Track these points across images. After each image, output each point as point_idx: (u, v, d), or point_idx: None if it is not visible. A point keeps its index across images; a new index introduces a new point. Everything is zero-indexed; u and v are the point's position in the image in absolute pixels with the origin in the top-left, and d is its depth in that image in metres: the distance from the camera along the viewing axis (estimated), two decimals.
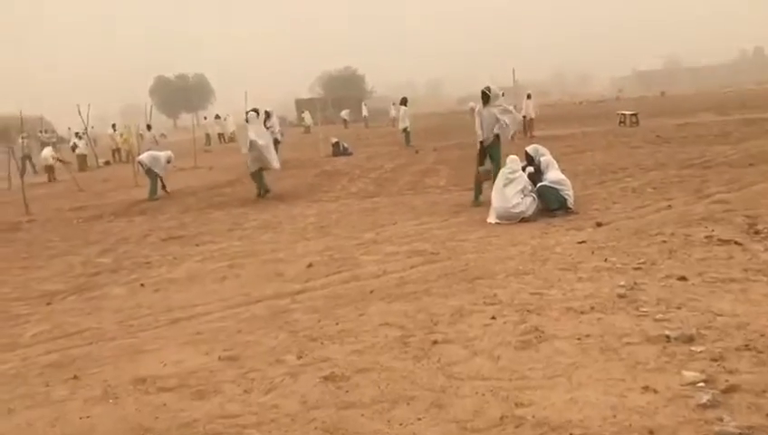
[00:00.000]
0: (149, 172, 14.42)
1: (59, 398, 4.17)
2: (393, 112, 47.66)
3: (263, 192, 12.94)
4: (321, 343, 4.73)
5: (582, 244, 6.98)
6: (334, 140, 22.09)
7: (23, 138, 24.68)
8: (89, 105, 25.35)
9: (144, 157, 14.84)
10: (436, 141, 24.54)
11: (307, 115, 44.80)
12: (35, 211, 13.65)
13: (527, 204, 8.59)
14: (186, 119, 39.36)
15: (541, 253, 6.77)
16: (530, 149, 9.55)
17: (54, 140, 37.26)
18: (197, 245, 8.78)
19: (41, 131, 39.34)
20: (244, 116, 13.49)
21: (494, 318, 4.93)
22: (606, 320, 4.70)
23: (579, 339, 4.39)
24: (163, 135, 54.69)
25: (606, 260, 6.23)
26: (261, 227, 9.72)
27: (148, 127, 22.73)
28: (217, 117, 40.51)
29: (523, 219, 8.45)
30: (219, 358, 4.63)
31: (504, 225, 8.35)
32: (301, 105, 63.39)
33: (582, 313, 4.89)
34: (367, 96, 78.00)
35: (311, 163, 19.04)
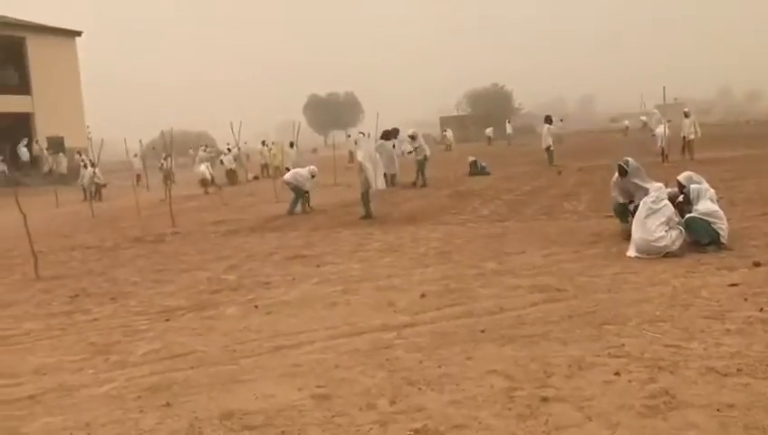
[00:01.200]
0: (295, 189, 14.76)
1: (146, 427, 4.09)
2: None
3: (365, 214, 12.89)
4: (419, 389, 4.35)
5: (734, 287, 6.10)
6: (471, 158, 21.65)
7: (165, 156, 26.44)
8: (240, 122, 26.65)
9: (288, 176, 15.23)
10: (582, 161, 23.42)
11: (449, 132, 44.62)
12: (180, 224, 14.35)
13: (672, 237, 7.70)
14: (336, 136, 40.75)
15: (683, 296, 5.97)
16: (682, 177, 8.57)
17: (213, 154, 39.67)
18: (318, 266, 8.70)
19: (203, 147, 42.15)
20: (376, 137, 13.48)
21: (617, 374, 4.31)
22: (755, 387, 3.95)
23: (718, 410, 3.69)
24: (314, 150, 56.85)
25: (762, 310, 5.36)
26: (382, 249, 9.50)
27: (291, 144, 23.50)
28: (361, 134, 41.30)
29: (667, 254, 7.58)
30: (311, 395, 4.38)
31: (644, 260, 7.54)
32: (444, 123, 63.48)
33: (726, 375, 4.16)
34: (514, 113, 76.66)
35: (445, 182, 18.72)
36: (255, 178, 29.59)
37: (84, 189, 23.74)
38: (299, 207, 14.70)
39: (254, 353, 5.36)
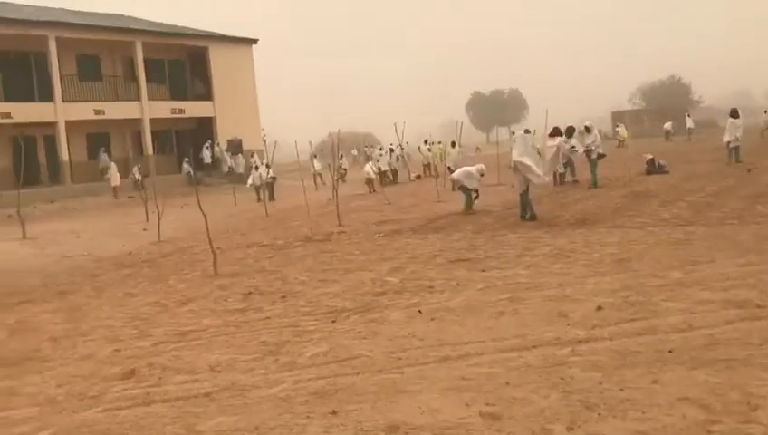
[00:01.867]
0: (462, 188, 14.62)
1: None
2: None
3: (528, 216, 12.38)
4: (599, 414, 3.94)
5: None
6: (648, 156, 20.19)
7: (312, 156, 27.18)
8: (404, 122, 26.93)
9: (457, 174, 15.12)
10: None
11: (622, 128, 42.26)
12: (346, 223, 14.67)
13: None
14: (500, 133, 40.16)
15: None
16: None
17: (381, 155, 40.55)
18: (483, 270, 8.41)
19: (366, 146, 43.31)
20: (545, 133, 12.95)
21: None
22: None
23: None
24: (478, 148, 56.42)
25: None
26: (552, 254, 9.00)
27: (453, 144, 23.33)
28: (527, 131, 40.31)
29: None
30: (480, 413, 4.13)
31: None
32: (617, 118, 60.38)
33: None
34: (693, 106, 71.29)
35: (619, 182, 17.60)
36: (418, 177, 29.77)
37: (256, 190, 25.07)
38: (475, 205, 14.51)
39: (419, 362, 5.20)
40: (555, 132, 14.47)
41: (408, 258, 9.78)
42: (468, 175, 14.64)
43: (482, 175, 14.84)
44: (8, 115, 29.12)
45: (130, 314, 7.97)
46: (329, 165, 22.44)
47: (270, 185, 24.65)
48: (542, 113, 19.48)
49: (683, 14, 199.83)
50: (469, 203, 14.50)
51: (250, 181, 25.77)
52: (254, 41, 40.13)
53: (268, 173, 24.55)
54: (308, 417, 4.32)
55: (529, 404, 4.19)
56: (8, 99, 30.03)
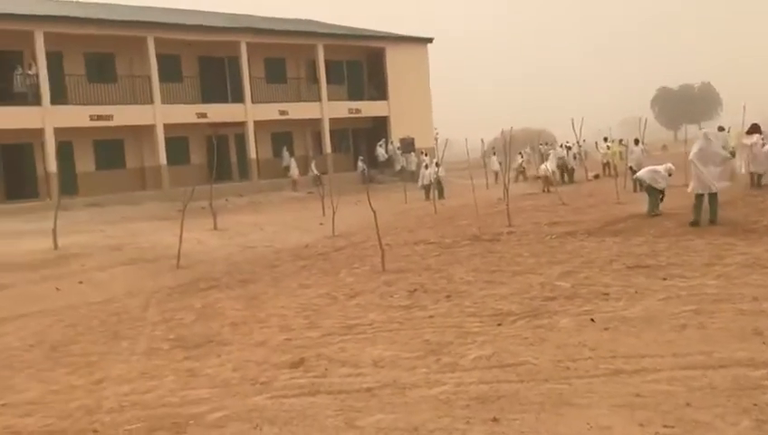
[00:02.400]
0: (648, 188, 13.74)
1: None
2: None
3: (695, 220, 11.56)
4: None
5: None
6: None
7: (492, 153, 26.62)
8: (582, 118, 25.79)
9: (643, 173, 14.23)
10: None
11: None
12: (516, 223, 14.30)
13: None
14: (689, 130, 37.35)
15: None
16: None
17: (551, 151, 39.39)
18: (664, 278, 7.76)
19: (542, 144, 42.18)
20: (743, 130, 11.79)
21: None
22: None
23: None
24: (665, 146, 52.87)
25: None
26: (748, 264, 8.10)
27: (636, 141, 21.91)
28: (721, 129, 37.08)
29: None
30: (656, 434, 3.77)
31: None
32: None
33: None
34: None
35: None
36: (596, 176, 28.43)
37: (426, 189, 25.23)
38: (659, 208, 13.57)
39: (589, 374, 4.87)
40: (754, 129, 13.10)
41: (582, 262, 9.29)
42: (655, 174, 13.64)
43: (670, 174, 13.79)
44: (204, 115, 31.75)
45: (303, 304, 8.30)
46: (520, 162, 21.95)
47: (439, 183, 24.70)
48: (738, 110, 17.78)
49: None
50: (655, 204, 13.51)
51: (420, 182, 26.05)
52: (430, 40, 40.51)
53: (437, 172, 24.64)
54: (468, 422, 4.20)
55: (713, 430, 3.76)
56: (205, 100, 32.77)
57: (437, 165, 25.05)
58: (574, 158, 28.33)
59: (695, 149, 11.88)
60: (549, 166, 24.84)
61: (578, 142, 27.17)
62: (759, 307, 6.15)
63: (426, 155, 30.73)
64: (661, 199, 13.62)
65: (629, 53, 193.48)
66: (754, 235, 10.19)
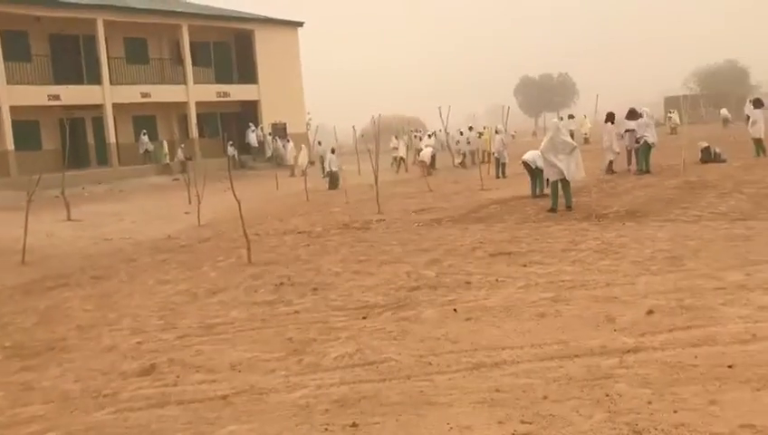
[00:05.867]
0: (535, 171, 14.07)
1: None
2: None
3: (553, 207, 12.12)
4: None
5: None
6: (704, 144, 19.20)
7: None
8: (449, 106, 26.37)
9: (528, 156, 14.54)
10: None
11: (675, 114, 40.78)
12: (386, 211, 14.31)
13: None
14: (547, 118, 39.05)
15: None
16: None
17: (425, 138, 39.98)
18: (525, 265, 7.95)
19: (413, 131, 42.76)
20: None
21: None
22: None
23: None
24: (534, 133, 55.14)
25: None
26: (600, 250, 8.47)
27: (497, 130, 22.62)
28: (571, 117, 39.18)
29: None
30: (514, 433, 3.74)
31: None
32: (669, 103, 58.30)
33: None
34: (751, 92, 68.43)
35: (671, 171, 16.76)
36: (461, 164, 29.14)
37: (331, 177, 24.15)
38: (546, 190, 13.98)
39: (451, 369, 4.82)
40: (609, 117, 13.83)
41: (446, 250, 9.37)
42: (537, 157, 13.99)
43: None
44: (57, 97, 29.53)
45: (159, 302, 7.79)
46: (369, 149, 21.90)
47: (335, 174, 23.90)
48: (592, 98, 18.76)
49: None
50: (540, 186, 13.97)
51: (324, 171, 24.99)
52: (300, 24, 39.88)
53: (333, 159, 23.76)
54: (326, 430, 4.00)
55: (569, 425, 3.78)
56: (58, 81, 30.45)
57: (333, 151, 24.36)
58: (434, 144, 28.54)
59: (545, 139, 12.42)
60: (427, 152, 25.15)
61: (446, 130, 27.74)
62: (610, 293, 6.39)
63: (320, 144, 29.76)
64: (548, 183, 13.99)
65: (496, 43, 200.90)
66: (606, 220, 10.73)
